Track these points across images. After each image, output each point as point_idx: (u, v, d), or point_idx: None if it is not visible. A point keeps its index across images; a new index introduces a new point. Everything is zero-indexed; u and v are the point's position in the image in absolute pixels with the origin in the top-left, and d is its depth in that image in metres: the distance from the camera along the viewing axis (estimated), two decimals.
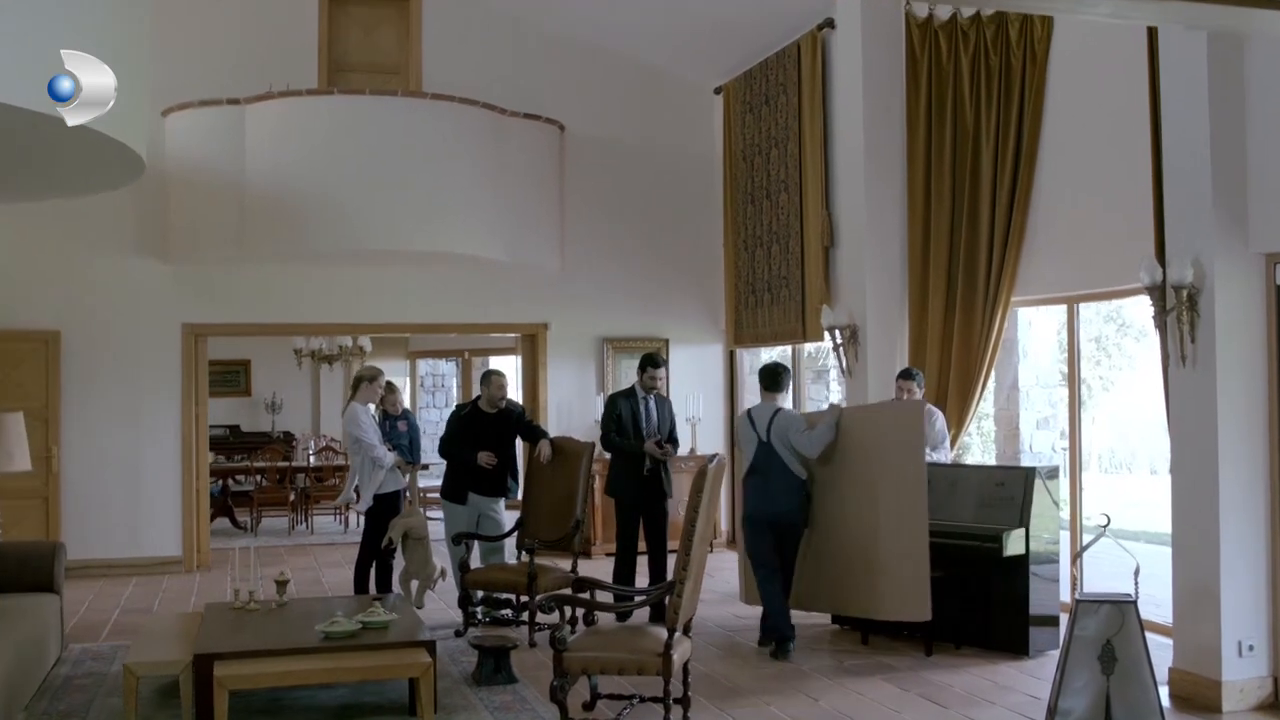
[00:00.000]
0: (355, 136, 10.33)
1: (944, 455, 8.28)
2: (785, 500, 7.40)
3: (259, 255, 10.72)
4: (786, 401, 7.81)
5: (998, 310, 8.58)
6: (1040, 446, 9.90)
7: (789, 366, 8.37)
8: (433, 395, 19.59)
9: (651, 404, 8.50)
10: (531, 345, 12.09)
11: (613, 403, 8.48)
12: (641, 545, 8.42)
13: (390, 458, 8.21)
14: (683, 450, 9.73)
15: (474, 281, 11.63)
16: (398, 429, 8.55)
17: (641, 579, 8.54)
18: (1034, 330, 9.57)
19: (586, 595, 5.96)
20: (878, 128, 9.34)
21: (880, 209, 9.34)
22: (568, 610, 6.81)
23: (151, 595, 9.59)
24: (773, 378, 7.64)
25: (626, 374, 12.20)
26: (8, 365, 10.36)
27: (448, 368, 19.00)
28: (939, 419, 8.36)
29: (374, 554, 8.29)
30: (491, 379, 8.42)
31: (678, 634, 5.45)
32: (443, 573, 8.26)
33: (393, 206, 10.37)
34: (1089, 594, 5.58)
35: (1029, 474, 7.37)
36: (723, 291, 12.11)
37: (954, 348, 8.87)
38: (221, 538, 13.30)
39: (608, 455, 8.64)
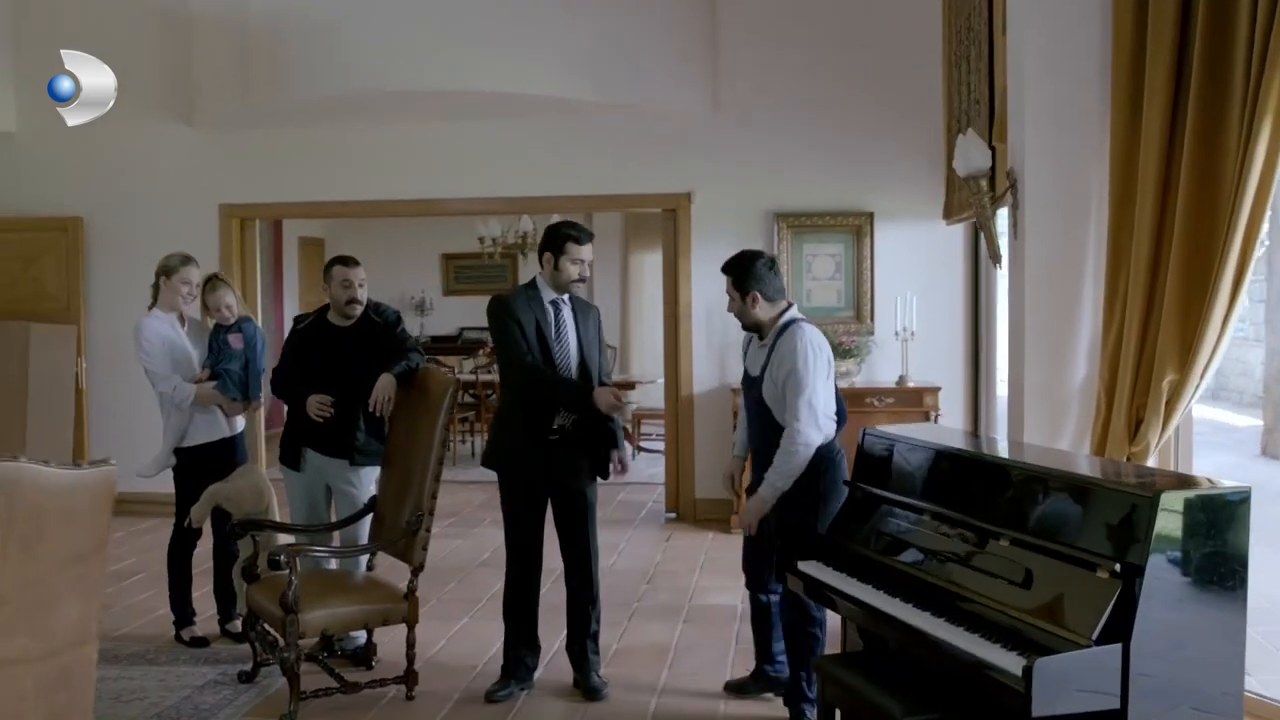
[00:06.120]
0: None
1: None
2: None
3: (300, 114, 8.41)
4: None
5: (1259, 133, 4.10)
6: None
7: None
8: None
9: (566, 314, 4.87)
10: (671, 224, 8.67)
11: (503, 309, 4.77)
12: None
13: (189, 390, 5.40)
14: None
15: (582, 136, 8.48)
16: (229, 346, 5.57)
17: (555, 619, 5.10)
18: None
19: None
20: None
21: None
22: None
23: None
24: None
25: (810, 264, 8.56)
26: (23, 259, 8.73)
27: None
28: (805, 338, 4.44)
29: (188, 535, 5.60)
30: (333, 271, 5.26)
31: None
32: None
33: (444, 34, 7.62)
34: None
35: (1149, 504, 2.99)
36: (944, 144, 7.97)
37: (1179, 205, 4.46)
38: None
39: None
